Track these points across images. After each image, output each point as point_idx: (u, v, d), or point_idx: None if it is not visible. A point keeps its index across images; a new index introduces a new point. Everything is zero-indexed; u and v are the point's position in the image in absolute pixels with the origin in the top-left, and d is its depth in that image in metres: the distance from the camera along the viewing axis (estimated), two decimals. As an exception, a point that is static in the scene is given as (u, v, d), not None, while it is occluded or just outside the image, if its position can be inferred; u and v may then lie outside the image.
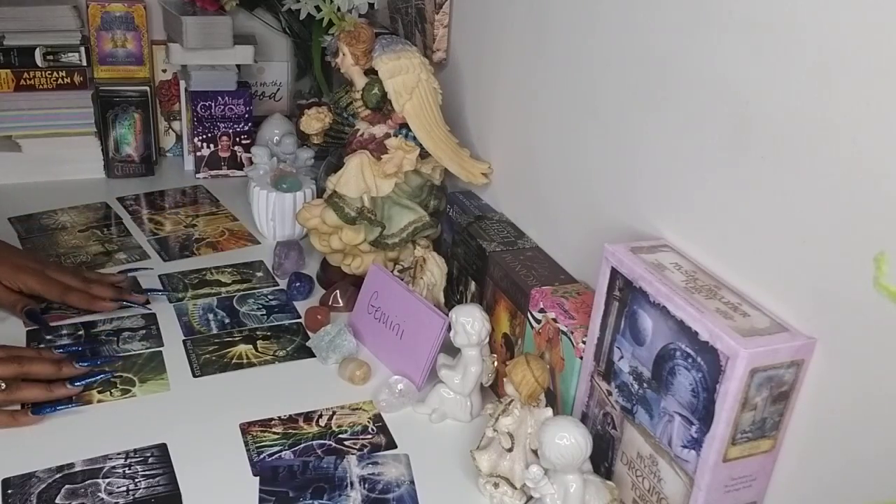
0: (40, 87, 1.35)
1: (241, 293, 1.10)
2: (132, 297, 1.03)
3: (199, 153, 1.42)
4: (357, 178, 1.01)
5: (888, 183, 0.53)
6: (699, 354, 0.62)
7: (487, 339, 0.86)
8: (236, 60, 1.38)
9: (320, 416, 0.88)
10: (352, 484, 0.79)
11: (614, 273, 0.71)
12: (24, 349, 0.93)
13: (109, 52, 1.39)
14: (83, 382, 0.88)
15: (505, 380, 0.78)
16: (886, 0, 0.52)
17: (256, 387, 0.92)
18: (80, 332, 0.98)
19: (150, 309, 1.04)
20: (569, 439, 0.68)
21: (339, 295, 1.07)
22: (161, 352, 0.97)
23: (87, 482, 0.77)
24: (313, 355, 0.97)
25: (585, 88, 0.85)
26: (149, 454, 0.81)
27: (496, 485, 0.78)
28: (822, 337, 0.60)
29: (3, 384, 0.83)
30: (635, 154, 0.78)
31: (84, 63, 1.36)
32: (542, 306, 0.83)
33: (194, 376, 0.93)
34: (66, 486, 0.76)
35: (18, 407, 0.84)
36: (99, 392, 0.89)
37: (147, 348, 0.97)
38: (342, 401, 0.91)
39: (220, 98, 1.39)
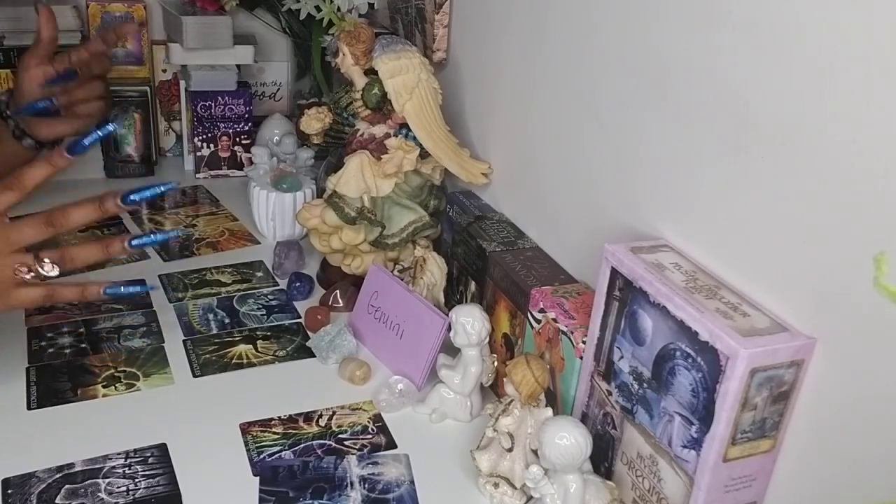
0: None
1: (241, 293, 1.10)
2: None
3: (199, 153, 1.42)
4: (357, 178, 1.01)
5: (888, 183, 0.53)
6: (699, 354, 0.62)
7: (487, 339, 0.86)
8: (236, 60, 1.38)
9: (320, 416, 0.88)
10: (352, 484, 0.79)
11: (614, 273, 0.71)
12: (53, 210, 0.78)
13: (109, 52, 1.39)
14: (141, 242, 0.79)
15: (505, 380, 0.78)
16: (886, 0, 0.52)
17: (256, 387, 0.92)
18: (81, 330, 0.99)
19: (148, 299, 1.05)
20: (569, 439, 0.68)
21: (339, 295, 1.07)
22: (163, 347, 0.97)
23: (87, 482, 0.77)
24: (313, 355, 0.97)
25: (585, 88, 0.85)
26: (149, 454, 0.81)
27: (496, 485, 0.78)
28: (822, 337, 0.60)
29: (51, 265, 0.70)
30: (635, 154, 0.78)
31: (84, 63, 1.36)
32: (542, 306, 0.83)
33: (194, 376, 0.93)
34: (66, 486, 0.76)
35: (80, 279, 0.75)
36: (104, 387, 0.89)
37: (148, 345, 0.97)
38: (342, 401, 0.91)
39: (220, 98, 1.39)
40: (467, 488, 0.80)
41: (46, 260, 0.72)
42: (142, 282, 1.03)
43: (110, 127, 0.81)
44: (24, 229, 0.72)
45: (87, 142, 0.78)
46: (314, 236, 1.08)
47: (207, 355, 0.97)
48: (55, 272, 0.71)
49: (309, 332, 1.01)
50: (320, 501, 0.77)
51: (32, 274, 0.69)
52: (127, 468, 0.79)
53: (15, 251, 0.72)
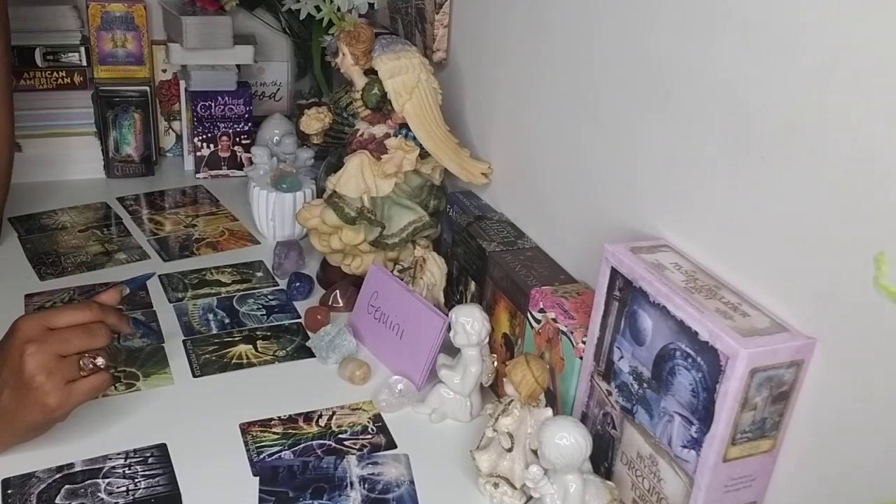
0: (40, 87, 1.35)
1: (241, 293, 1.10)
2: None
3: (199, 153, 1.42)
4: (357, 178, 1.01)
5: (888, 183, 0.53)
6: (699, 354, 0.62)
7: (487, 339, 0.86)
8: (236, 60, 1.38)
9: (320, 416, 0.88)
10: (352, 484, 0.79)
11: (614, 273, 0.71)
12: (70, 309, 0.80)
13: (109, 52, 1.39)
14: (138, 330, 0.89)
15: (505, 380, 0.78)
16: (886, 0, 0.52)
17: (256, 387, 0.92)
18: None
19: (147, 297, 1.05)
20: (569, 439, 0.68)
21: (339, 295, 1.07)
22: (163, 347, 0.97)
23: (87, 482, 0.77)
24: (313, 355, 0.97)
25: (585, 88, 0.85)
26: (149, 454, 0.81)
27: (496, 485, 0.78)
28: (822, 337, 0.60)
29: (101, 359, 0.77)
30: (635, 154, 0.78)
31: (84, 63, 1.36)
32: (542, 306, 0.83)
33: (194, 376, 0.93)
34: (66, 486, 0.76)
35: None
36: None
37: (148, 345, 0.97)
38: (342, 401, 0.91)
39: (220, 98, 1.39)
40: (467, 488, 0.80)
41: (94, 354, 0.78)
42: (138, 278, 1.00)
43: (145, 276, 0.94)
44: (73, 340, 0.76)
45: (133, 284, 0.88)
46: (314, 236, 1.08)
47: (207, 355, 0.97)
48: (104, 364, 0.78)
49: (309, 332, 1.01)
50: (320, 501, 0.77)
51: (91, 367, 0.76)
52: (127, 468, 0.79)
53: (73, 355, 0.77)
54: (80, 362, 0.75)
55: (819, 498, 0.62)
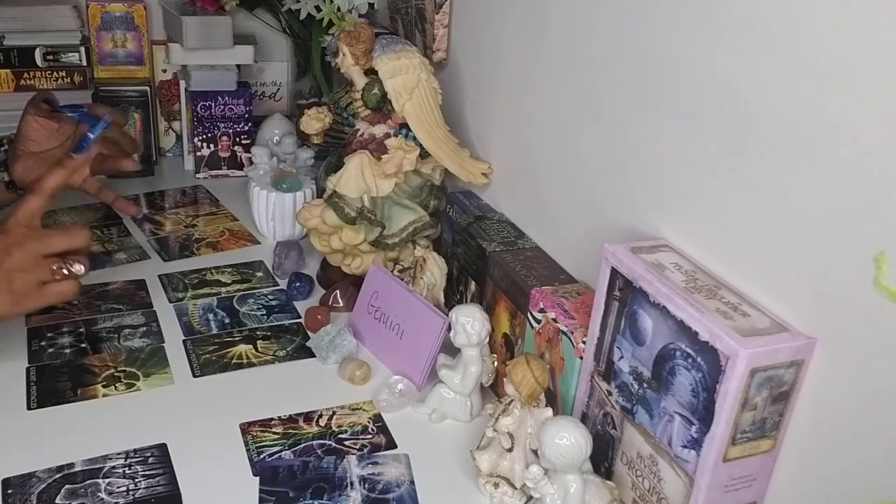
0: (40, 87, 1.35)
1: (241, 293, 1.10)
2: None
3: (199, 153, 1.42)
4: (357, 178, 1.01)
5: (888, 183, 0.53)
6: (699, 354, 0.62)
7: (487, 339, 0.86)
8: (236, 60, 1.38)
9: (320, 416, 0.88)
10: (352, 484, 0.79)
11: (614, 273, 0.71)
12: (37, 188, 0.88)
13: (109, 52, 1.39)
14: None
15: (505, 380, 0.78)
16: (886, 0, 0.52)
17: (256, 387, 0.92)
18: (81, 330, 0.99)
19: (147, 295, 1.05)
20: (569, 439, 0.68)
21: (339, 295, 1.07)
22: (163, 347, 0.97)
23: (87, 482, 0.77)
24: (313, 355, 0.97)
25: (586, 88, 0.85)
26: (149, 454, 0.81)
27: (496, 485, 0.78)
28: (822, 337, 0.60)
29: (79, 265, 0.83)
30: (635, 154, 0.78)
31: (84, 63, 1.36)
32: (542, 306, 0.83)
33: (194, 376, 0.93)
34: (66, 486, 0.76)
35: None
36: (104, 387, 0.90)
37: (148, 345, 0.97)
38: (342, 401, 0.91)
39: (220, 98, 1.39)
40: (467, 488, 0.80)
41: (73, 261, 0.83)
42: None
43: (103, 122, 0.95)
44: (55, 236, 0.83)
45: (86, 143, 0.91)
46: (314, 236, 1.08)
47: (207, 355, 0.97)
48: (83, 270, 0.83)
49: (309, 332, 1.01)
50: (320, 501, 0.77)
51: (65, 272, 0.81)
52: (127, 468, 0.79)
53: (48, 255, 0.82)
54: (55, 266, 0.80)
55: (819, 498, 0.62)
